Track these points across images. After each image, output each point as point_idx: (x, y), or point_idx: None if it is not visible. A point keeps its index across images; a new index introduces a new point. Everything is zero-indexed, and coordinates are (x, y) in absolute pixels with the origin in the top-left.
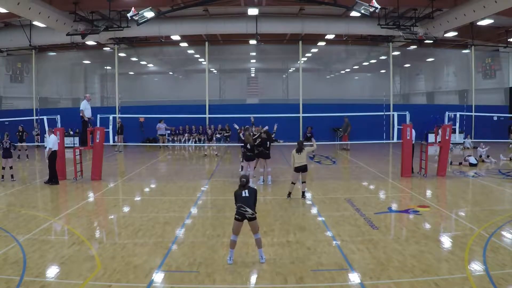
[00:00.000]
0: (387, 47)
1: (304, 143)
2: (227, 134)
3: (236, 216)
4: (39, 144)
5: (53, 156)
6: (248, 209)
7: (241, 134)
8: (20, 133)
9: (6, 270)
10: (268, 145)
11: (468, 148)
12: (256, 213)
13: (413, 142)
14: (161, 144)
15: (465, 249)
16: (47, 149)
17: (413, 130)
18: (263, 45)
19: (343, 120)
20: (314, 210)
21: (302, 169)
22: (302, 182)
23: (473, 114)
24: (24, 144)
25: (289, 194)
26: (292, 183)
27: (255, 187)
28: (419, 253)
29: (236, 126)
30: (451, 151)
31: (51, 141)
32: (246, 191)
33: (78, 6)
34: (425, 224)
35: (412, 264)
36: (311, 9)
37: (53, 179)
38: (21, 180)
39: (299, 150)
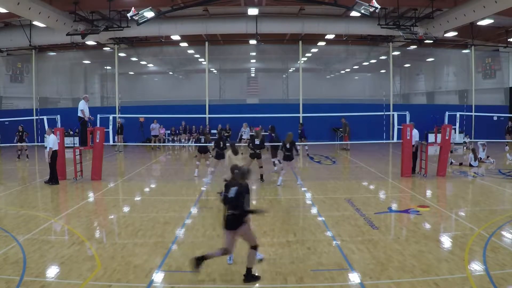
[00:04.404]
0: (387, 47)
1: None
2: (227, 134)
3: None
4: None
5: (53, 156)
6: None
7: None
8: (20, 133)
9: (6, 270)
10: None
11: (468, 148)
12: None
13: (417, 142)
14: (152, 144)
15: (465, 249)
16: (48, 149)
17: (416, 130)
18: (263, 45)
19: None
20: (314, 210)
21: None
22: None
23: (473, 114)
24: (24, 144)
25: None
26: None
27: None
28: (419, 253)
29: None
30: (451, 152)
31: (51, 141)
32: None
33: (78, 6)
34: (425, 224)
35: (412, 264)
36: (311, 9)
37: (53, 179)
38: (21, 180)
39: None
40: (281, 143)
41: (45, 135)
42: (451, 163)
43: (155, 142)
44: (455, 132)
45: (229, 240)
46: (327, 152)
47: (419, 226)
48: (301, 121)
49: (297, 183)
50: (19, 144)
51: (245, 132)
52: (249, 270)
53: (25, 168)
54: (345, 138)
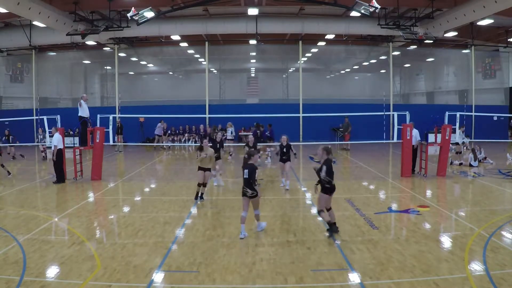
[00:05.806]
0: (387, 47)
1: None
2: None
3: (242, 194)
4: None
5: (59, 154)
6: (248, 190)
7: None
8: (7, 137)
9: (6, 270)
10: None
11: (467, 148)
12: (257, 186)
13: (418, 142)
14: (154, 144)
15: (465, 249)
16: (53, 147)
17: (416, 131)
18: (263, 45)
19: (344, 120)
20: (314, 210)
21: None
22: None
23: (473, 114)
24: (13, 145)
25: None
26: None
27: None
28: (419, 253)
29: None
30: (451, 151)
31: (56, 139)
32: (246, 171)
33: (78, 6)
34: (425, 224)
35: (412, 264)
36: (311, 9)
37: (60, 177)
38: (21, 180)
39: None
40: (277, 144)
41: (45, 134)
42: (451, 163)
43: (158, 142)
44: (461, 133)
45: (329, 201)
46: None
47: (419, 226)
48: (301, 121)
49: (281, 185)
50: (8, 145)
51: (230, 131)
52: (334, 223)
53: (24, 168)
54: (346, 137)
